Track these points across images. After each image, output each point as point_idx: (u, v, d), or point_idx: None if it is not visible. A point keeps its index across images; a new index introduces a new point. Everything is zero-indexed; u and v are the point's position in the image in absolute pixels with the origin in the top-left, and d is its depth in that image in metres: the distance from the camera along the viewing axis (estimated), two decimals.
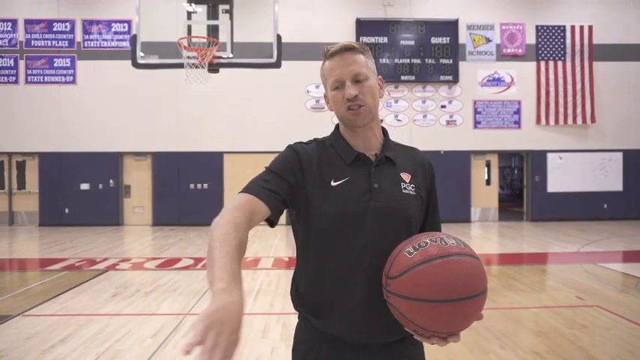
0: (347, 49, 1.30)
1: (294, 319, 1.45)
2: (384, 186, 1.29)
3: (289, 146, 1.35)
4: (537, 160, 12.82)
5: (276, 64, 6.16)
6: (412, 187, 1.33)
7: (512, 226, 12.13)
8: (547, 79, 12.71)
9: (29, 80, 12.29)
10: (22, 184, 12.48)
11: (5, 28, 12.27)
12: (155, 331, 4.12)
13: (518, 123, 12.79)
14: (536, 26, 12.76)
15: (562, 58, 12.74)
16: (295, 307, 1.36)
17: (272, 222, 1.25)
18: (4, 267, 7.35)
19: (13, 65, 12.27)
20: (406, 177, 1.34)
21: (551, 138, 12.79)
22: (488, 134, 12.75)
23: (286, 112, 12.13)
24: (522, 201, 13.65)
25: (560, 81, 12.71)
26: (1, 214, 12.44)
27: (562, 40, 12.75)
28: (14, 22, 12.28)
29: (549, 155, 12.79)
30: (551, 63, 12.72)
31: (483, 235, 10.67)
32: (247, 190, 1.22)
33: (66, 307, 4.89)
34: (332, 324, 1.26)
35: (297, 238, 1.36)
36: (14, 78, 12.28)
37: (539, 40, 12.75)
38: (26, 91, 12.26)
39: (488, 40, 12.73)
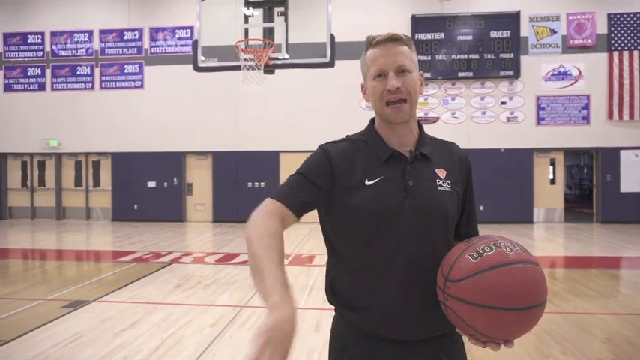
0: (393, 39, 1.28)
1: None
2: (419, 184, 1.27)
3: (320, 147, 1.34)
4: (609, 157, 11.96)
5: (330, 64, 6.24)
6: (448, 184, 1.30)
7: (579, 228, 11.41)
8: (621, 70, 11.82)
9: (103, 86, 13.28)
10: (97, 182, 13.52)
11: (83, 39, 13.35)
12: (214, 321, 4.34)
13: (586, 119, 12.00)
14: (608, 15, 11.90)
15: (638, 48, 11.78)
16: (330, 302, 1.36)
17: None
18: (82, 257, 8.02)
19: (89, 73, 13.33)
20: (442, 173, 1.31)
21: (624, 134, 11.87)
22: (552, 131, 12.07)
23: (340, 111, 12.18)
24: (592, 202, 12.80)
25: (636, 72, 11.76)
26: (79, 210, 13.56)
27: (638, 28, 11.79)
28: (90, 32, 13.32)
29: (622, 153, 11.88)
30: (625, 53, 11.81)
31: (547, 237, 10.13)
32: (277, 196, 1.24)
33: (134, 295, 5.27)
34: (367, 320, 1.26)
35: (328, 235, 1.35)
36: (90, 84, 13.33)
37: (612, 29, 11.88)
38: (101, 96, 13.26)
39: (554, 32, 12.05)
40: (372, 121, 1.40)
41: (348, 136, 1.39)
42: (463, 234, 1.38)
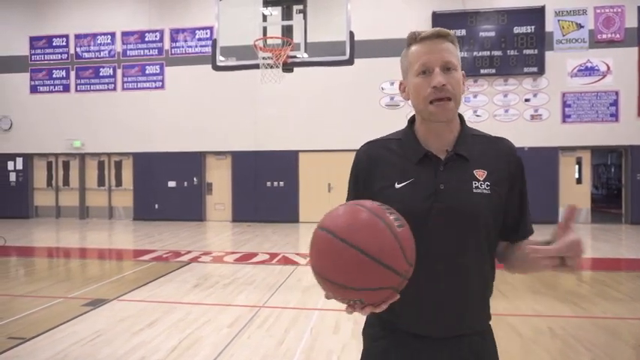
0: (440, 35, 1.23)
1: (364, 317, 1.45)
2: (451, 186, 1.22)
3: (355, 157, 1.37)
4: (639, 156, 11.54)
5: (349, 61, 6.15)
6: (487, 185, 1.23)
7: (607, 228, 11.04)
8: None
9: (125, 87, 13.48)
10: (119, 182, 13.75)
11: (106, 41, 13.59)
12: (232, 321, 4.32)
13: (615, 116, 11.60)
14: (638, 7, 11.47)
15: None
16: None
17: None
18: (103, 256, 8.14)
19: (112, 74, 13.55)
20: (480, 174, 1.24)
21: None
22: (579, 129, 11.71)
23: (360, 110, 12.08)
24: (620, 202, 12.37)
25: None
26: (102, 209, 13.81)
27: None
28: (113, 34, 13.54)
29: None
30: None
31: None
32: None
33: (154, 294, 5.30)
34: (397, 316, 1.26)
35: None
36: (113, 85, 13.56)
37: None
38: (123, 96, 13.47)
39: (580, 26, 11.68)
40: (412, 119, 1.35)
41: (391, 134, 1.38)
42: (509, 238, 1.34)
